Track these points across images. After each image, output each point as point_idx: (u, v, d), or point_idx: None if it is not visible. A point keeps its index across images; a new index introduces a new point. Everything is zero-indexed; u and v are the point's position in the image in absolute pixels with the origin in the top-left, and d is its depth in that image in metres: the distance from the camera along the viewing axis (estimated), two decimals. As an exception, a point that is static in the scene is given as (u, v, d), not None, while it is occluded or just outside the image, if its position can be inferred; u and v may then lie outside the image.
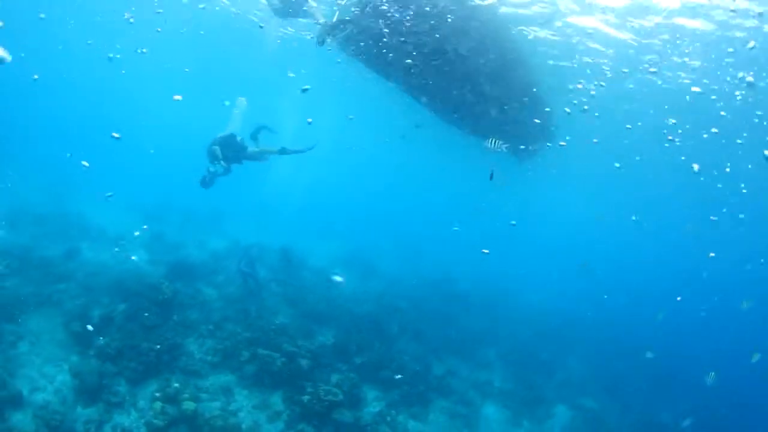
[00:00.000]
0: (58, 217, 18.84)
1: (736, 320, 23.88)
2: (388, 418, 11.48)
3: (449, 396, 13.14)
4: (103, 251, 16.35)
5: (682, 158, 18.78)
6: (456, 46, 10.41)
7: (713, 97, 13.97)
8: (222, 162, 11.29)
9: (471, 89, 11.71)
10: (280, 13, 11.22)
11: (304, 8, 10.64)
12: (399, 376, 12.56)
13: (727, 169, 18.25)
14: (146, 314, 11.53)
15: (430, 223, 41.10)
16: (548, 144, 16.68)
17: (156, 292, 12.21)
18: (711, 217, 23.29)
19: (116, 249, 16.51)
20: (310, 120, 28.54)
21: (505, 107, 12.13)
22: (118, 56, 24.88)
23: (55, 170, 25.64)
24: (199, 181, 11.74)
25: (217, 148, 11.40)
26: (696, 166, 18.80)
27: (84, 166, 19.61)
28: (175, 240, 19.22)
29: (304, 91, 19.53)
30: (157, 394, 9.58)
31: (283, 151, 11.97)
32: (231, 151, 11.70)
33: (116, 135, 10.82)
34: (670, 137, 17.21)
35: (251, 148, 12.06)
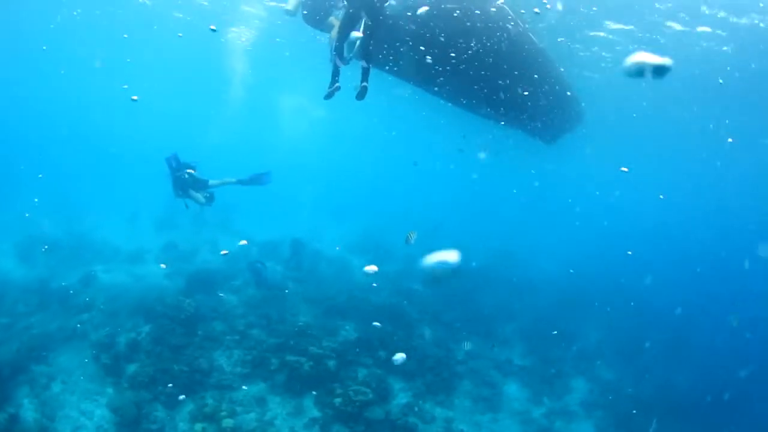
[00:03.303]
0: (68, 240, 18.90)
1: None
2: (416, 409, 11.81)
3: (472, 379, 13.43)
4: (118, 271, 16.53)
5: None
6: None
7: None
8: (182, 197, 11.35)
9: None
10: (309, 21, 10.90)
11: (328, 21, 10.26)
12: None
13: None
14: (171, 335, 11.78)
15: (441, 201, 40.89)
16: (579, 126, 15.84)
17: (177, 311, 12.41)
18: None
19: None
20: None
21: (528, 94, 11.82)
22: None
23: (59, 189, 25.66)
24: (201, 205, 11.74)
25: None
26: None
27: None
28: (188, 247, 19.39)
29: None
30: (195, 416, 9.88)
31: (240, 182, 12.19)
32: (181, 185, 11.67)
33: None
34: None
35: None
